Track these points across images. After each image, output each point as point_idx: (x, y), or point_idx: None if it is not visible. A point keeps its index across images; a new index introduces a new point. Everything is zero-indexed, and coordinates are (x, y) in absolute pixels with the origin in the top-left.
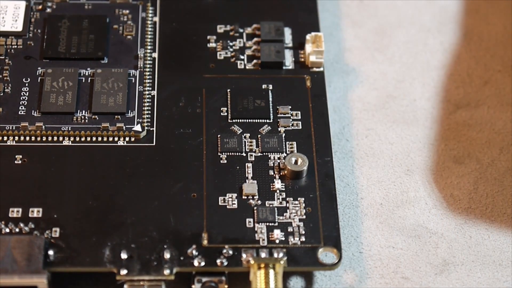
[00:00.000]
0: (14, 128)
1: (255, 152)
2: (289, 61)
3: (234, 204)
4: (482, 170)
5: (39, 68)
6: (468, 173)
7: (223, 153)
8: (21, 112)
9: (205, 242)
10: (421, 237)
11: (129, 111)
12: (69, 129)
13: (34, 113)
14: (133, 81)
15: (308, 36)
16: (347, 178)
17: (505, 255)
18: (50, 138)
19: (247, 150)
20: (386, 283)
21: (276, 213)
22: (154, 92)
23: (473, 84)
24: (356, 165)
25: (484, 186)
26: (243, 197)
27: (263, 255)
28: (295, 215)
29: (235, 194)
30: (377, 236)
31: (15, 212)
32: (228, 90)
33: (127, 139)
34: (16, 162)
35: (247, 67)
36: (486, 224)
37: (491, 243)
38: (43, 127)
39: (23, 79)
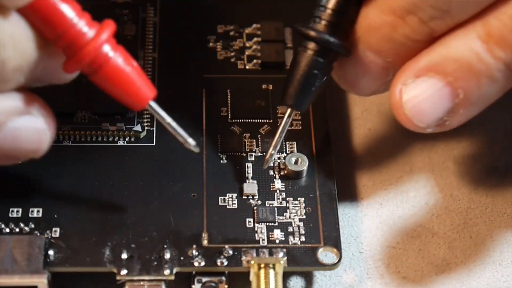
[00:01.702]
0: None
1: (255, 152)
2: (289, 61)
3: (234, 204)
4: (482, 170)
5: None
6: (468, 173)
7: (223, 153)
8: None
9: (205, 242)
10: (421, 237)
11: (129, 111)
12: (69, 129)
13: None
14: None
15: None
16: (347, 178)
17: (505, 255)
18: None
19: (247, 150)
20: (386, 283)
21: (276, 213)
22: None
23: None
24: (356, 165)
25: (484, 186)
26: (243, 197)
27: (263, 255)
28: (295, 215)
29: (235, 194)
30: (377, 236)
31: (15, 212)
32: (228, 90)
33: (127, 139)
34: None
35: (247, 67)
36: (486, 224)
37: (491, 243)
38: None
39: None
